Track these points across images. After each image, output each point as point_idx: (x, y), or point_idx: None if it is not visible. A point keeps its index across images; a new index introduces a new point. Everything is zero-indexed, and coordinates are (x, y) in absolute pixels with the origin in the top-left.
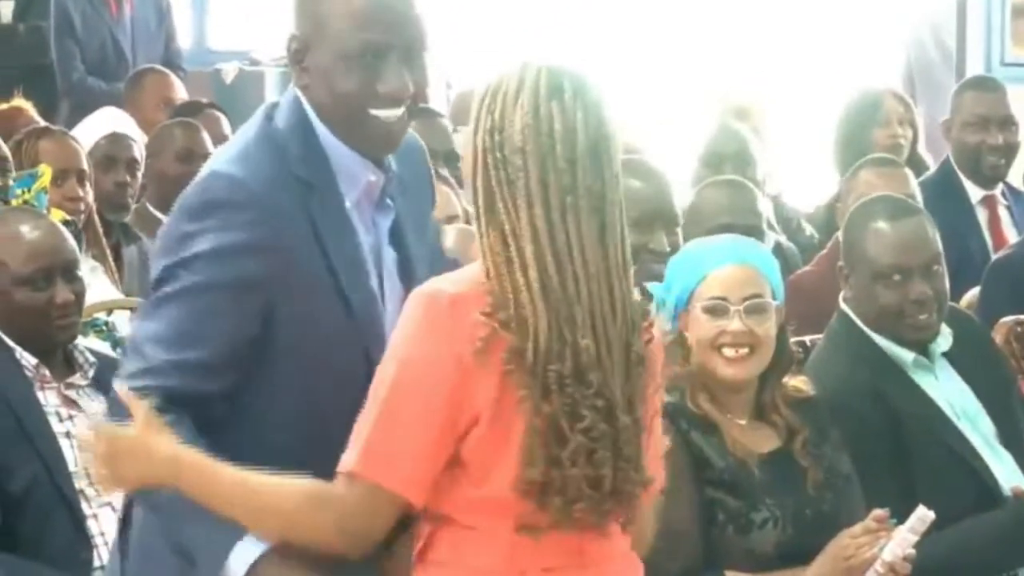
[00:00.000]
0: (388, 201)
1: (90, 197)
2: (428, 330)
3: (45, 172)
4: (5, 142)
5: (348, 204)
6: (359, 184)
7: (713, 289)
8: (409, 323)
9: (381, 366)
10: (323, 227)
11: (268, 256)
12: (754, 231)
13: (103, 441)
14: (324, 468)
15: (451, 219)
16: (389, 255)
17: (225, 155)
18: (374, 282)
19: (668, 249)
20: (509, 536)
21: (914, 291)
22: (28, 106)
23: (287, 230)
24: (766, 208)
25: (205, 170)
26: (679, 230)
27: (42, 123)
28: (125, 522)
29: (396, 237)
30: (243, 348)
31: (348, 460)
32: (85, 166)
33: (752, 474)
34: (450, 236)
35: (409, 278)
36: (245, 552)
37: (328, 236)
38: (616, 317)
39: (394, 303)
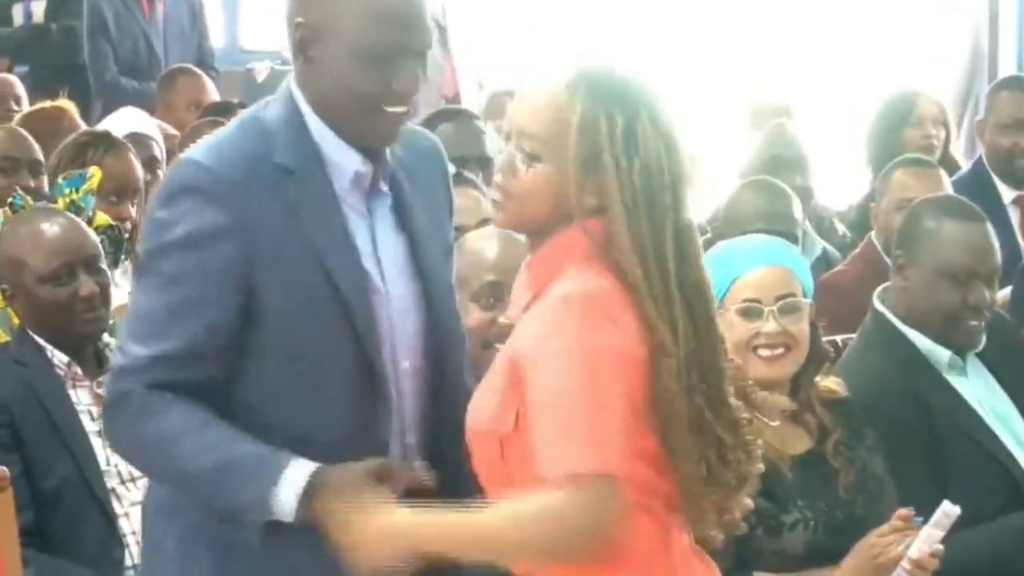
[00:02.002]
0: (383, 187)
1: (135, 212)
2: (599, 322)
3: (95, 174)
4: (48, 142)
5: (338, 191)
6: (347, 174)
7: (746, 291)
8: (567, 320)
9: (541, 369)
10: (303, 211)
11: (239, 238)
12: (791, 238)
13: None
14: (314, 442)
15: (481, 223)
16: (393, 237)
17: (201, 143)
18: (369, 263)
19: None
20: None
21: (974, 295)
22: (71, 107)
23: (256, 212)
24: (799, 212)
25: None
26: None
27: (83, 124)
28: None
29: (402, 220)
30: (225, 333)
31: (566, 462)
32: (141, 185)
33: (783, 476)
34: (492, 245)
35: (419, 258)
36: (292, 482)
37: (309, 219)
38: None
39: (399, 283)
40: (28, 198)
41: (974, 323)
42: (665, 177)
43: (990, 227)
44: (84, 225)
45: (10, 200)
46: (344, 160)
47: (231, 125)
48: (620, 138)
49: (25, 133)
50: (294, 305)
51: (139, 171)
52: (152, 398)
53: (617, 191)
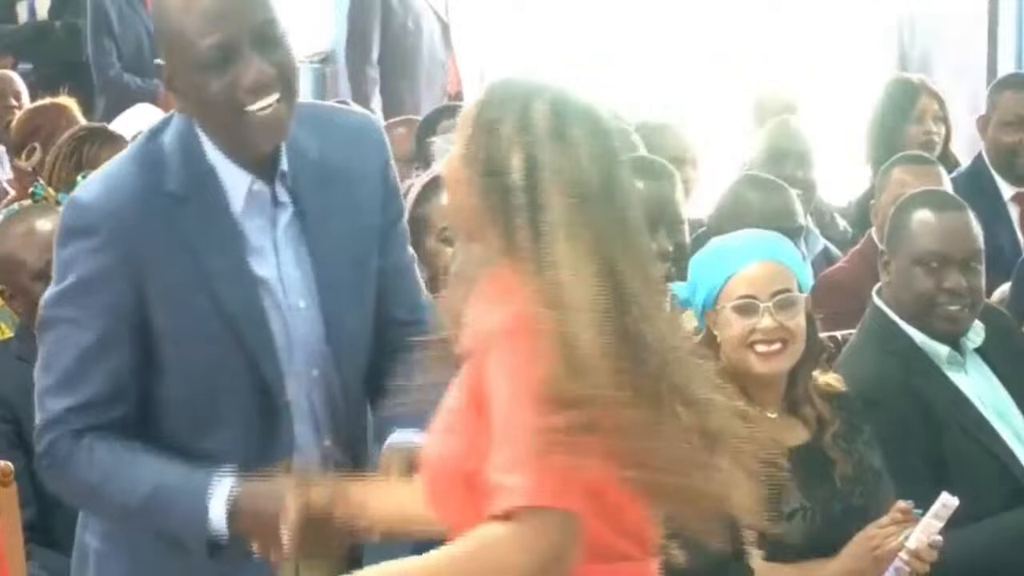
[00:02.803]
0: (282, 198)
1: None
2: (524, 348)
3: None
4: (48, 138)
5: (234, 210)
6: (241, 195)
7: (741, 288)
8: (505, 348)
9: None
10: (195, 238)
11: (129, 275)
12: (793, 234)
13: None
14: (216, 462)
15: None
16: (296, 248)
17: (88, 179)
18: (272, 276)
19: (671, 249)
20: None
21: (949, 280)
22: (72, 104)
23: (144, 246)
24: (798, 205)
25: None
26: (684, 227)
27: (83, 121)
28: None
29: (303, 228)
30: (134, 371)
31: (509, 494)
32: None
33: (781, 468)
34: None
35: (317, 266)
36: (219, 499)
37: (202, 247)
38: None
39: (304, 292)
40: (50, 189)
41: (952, 308)
42: (588, 169)
43: (968, 214)
44: None
45: (32, 191)
46: (237, 182)
47: (124, 154)
48: (512, 138)
49: None
50: (185, 333)
51: None
52: (76, 446)
53: (516, 191)
